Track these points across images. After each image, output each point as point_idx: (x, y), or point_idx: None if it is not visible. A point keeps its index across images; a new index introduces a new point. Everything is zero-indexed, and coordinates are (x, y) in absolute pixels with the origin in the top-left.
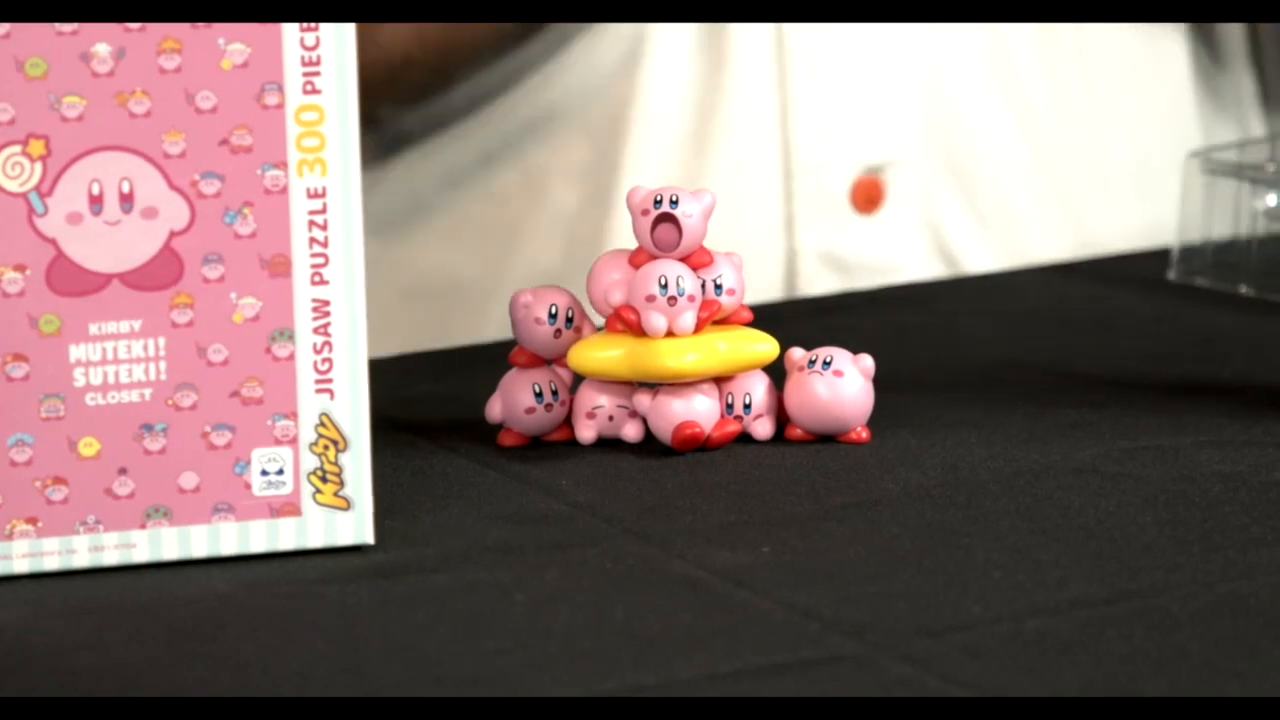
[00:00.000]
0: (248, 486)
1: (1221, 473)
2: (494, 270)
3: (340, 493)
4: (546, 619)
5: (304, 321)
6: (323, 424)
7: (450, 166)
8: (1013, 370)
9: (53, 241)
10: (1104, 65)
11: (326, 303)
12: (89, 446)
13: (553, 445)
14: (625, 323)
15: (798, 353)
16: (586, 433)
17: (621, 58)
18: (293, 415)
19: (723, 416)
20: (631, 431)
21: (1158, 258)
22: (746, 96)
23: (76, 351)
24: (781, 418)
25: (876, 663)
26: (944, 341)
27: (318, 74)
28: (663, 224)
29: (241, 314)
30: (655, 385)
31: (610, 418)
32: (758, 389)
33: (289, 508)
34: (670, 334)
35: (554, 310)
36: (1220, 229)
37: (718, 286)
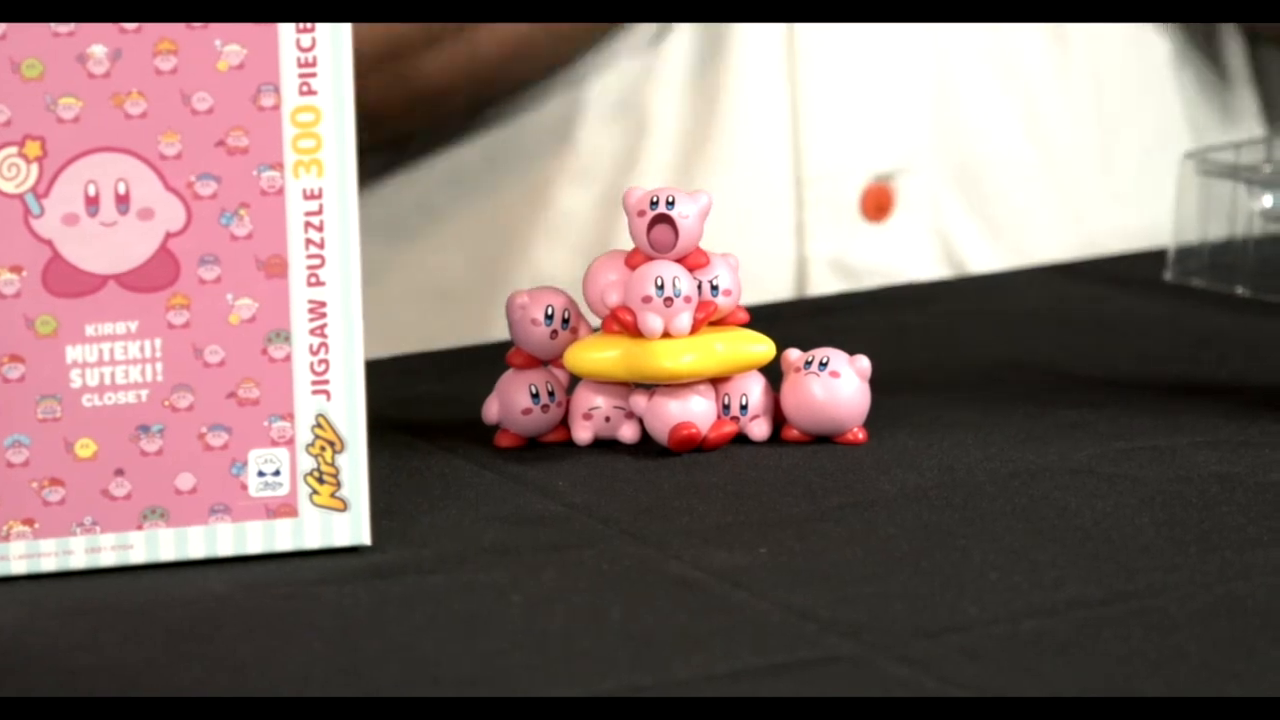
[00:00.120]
0: (244, 487)
1: (1218, 473)
2: (500, 273)
3: (337, 494)
4: (543, 620)
5: (300, 323)
6: (319, 425)
7: (457, 169)
8: (1010, 371)
9: (49, 243)
10: (1111, 71)
11: (323, 304)
12: (85, 448)
13: (549, 446)
14: (622, 324)
15: (794, 354)
16: (583, 434)
17: (632, 64)
18: (289, 416)
19: (719, 417)
20: (628, 432)
21: (1154, 259)
22: (757, 104)
23: (73, 353)
24: (778, 418)
25: (873, 663)
26: (941, 342)
27: (314, 75)
28: (659, 225)
29: (238, 315)
30: (652, 386)
31: (607, 419)
32: (754, 390)
33: (286, 509)
34: (667, 335)
35: (550, 311)
36: (1216, 230)
37: (714, 287)
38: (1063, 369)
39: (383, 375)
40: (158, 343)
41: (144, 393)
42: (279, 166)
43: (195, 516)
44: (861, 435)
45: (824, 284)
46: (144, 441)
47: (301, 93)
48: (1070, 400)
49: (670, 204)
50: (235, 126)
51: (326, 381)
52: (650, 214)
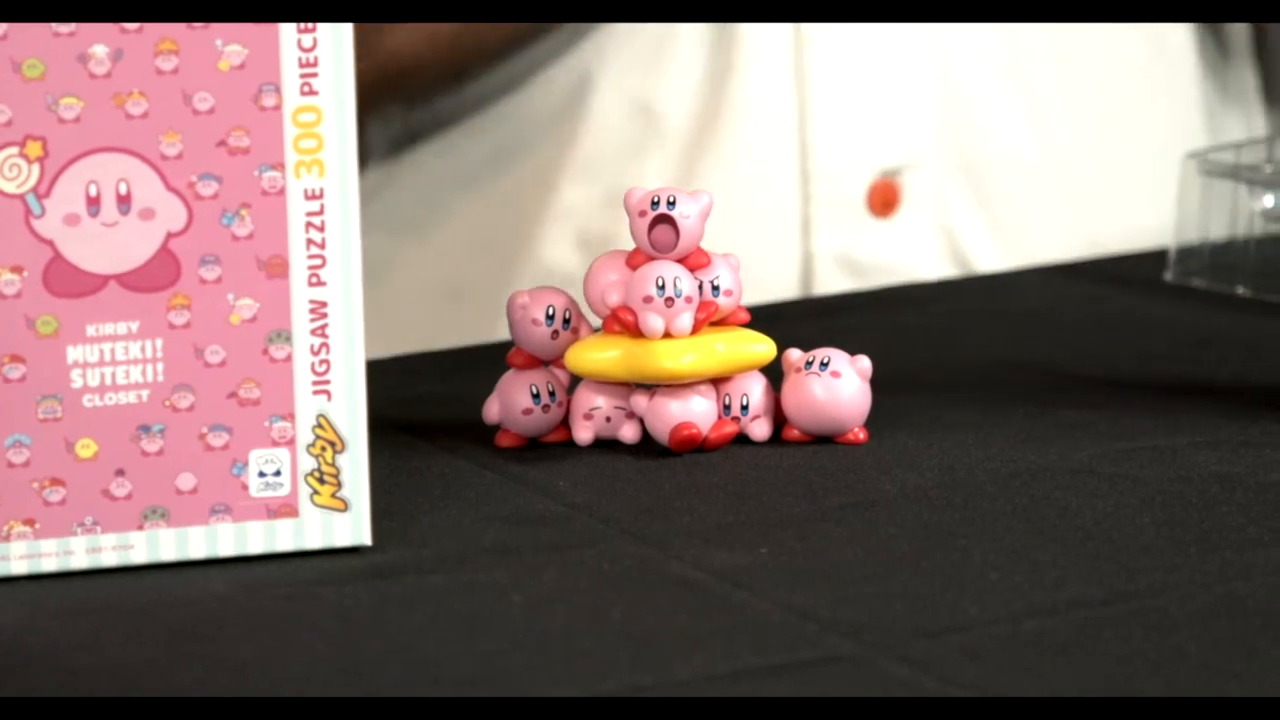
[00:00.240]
0: (245, 488)
1: (1219, 473)
2: (505, 271)
3: (338, 494)
4: (544, 620)
5: (301, 323)
6: (320, 425)
7: (462, 166)
8: (1010, 371)
9: (50, 243)
10: (1116, 68)
11: (324, 304)
12: (86, 448)
13: (550, 446)
14: (622, 324)
15: (795, 354)
16: (584, 434)
17: (638, 60)
18: (290, 416)
19: (720, 417)
20: (629, 432)
21: (1155, 259)
22: (764, 100)
23: (74, 353)
24: (779, 419)
25: (874, 663)
26: (941, 342)
27: (315, 75)
28: (660, 225)
29: (239, 315)
30: (652, 386)
31: (608, 419)
32: (755, 390)
33: (286, 509)
34: (667, 335)
35: (551, 311)
36: (1217, 230)
37: (715, 288)
38: (1063, 369)
39: (383, 375)
40: (158, 343)
41: (145, 393)
42: (280, 167)
43: (196, 517)
44: (862, 435)
45: (830, 280)
46: (145, 442)
47: (303, 93)
48: (1071, 400)
49: (671, 204)
50: (236, 126)
51: (327, 382)
52: (651, 214)
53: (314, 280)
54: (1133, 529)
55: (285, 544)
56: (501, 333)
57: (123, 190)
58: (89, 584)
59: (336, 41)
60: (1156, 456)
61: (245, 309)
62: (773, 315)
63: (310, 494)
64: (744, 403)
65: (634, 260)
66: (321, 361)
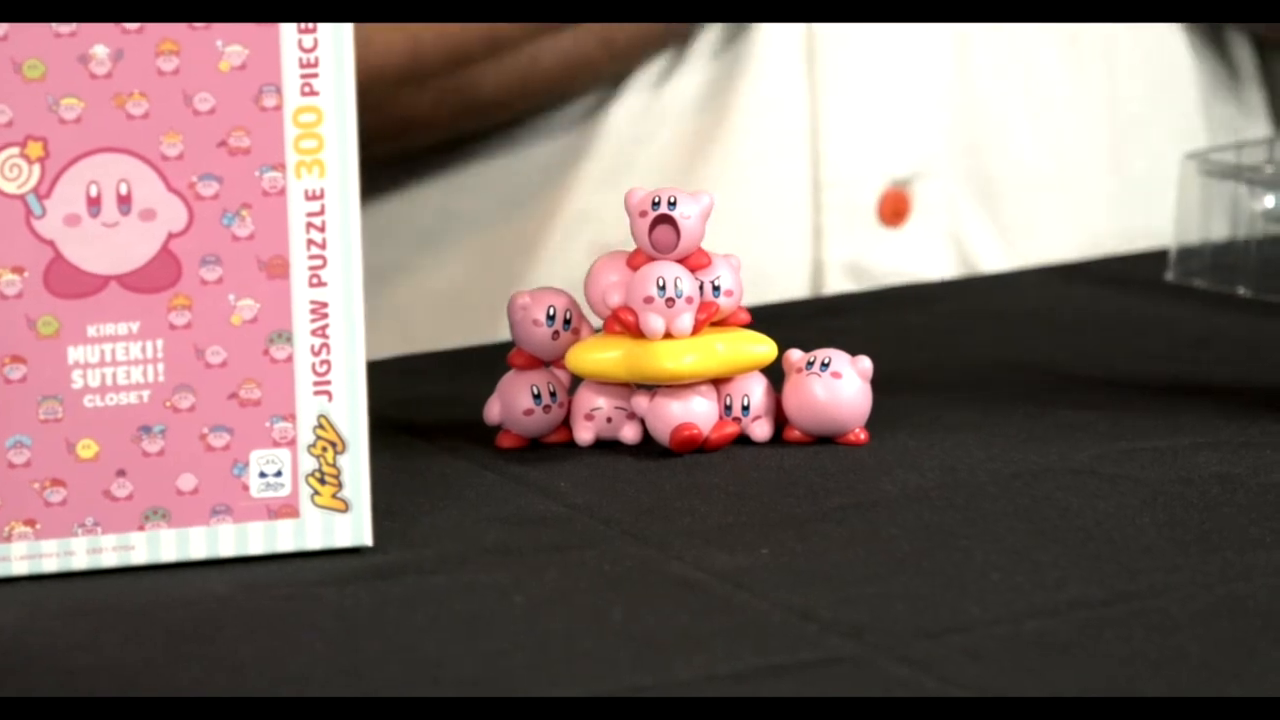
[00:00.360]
0: (246, 488)
1: (1219, 474)
2: (518, 276)
3: (338, 494)
4: (545, 620)
5: (302, 323)
6: (321, 426)
7: (473, 171)
8: (1011, 371)
9: (51, 243)
10: (1123, 75)
11: (324, 304)
12: (87, 448)
13: (551, 447)
14: (623, 324)
15: (796, 354)
16: (585, 434)
17: (651, 67)
18: (291, 417)
19: (721, 418)
20: (630, 433)
21: (1156, 259)
22: (776, 110)
23: (75, 353)
24: (780, 419)
25: (875, 664)
26: (942, 342)
27: (316, 75)
28: (661, 225)
29: (240, 316)
30: (653, 387)
31: (608, 419)
32: (756, 390)
33: (287, 509)
34: (668, 335)
35: (552, 312)
36: (1218, 230)
37: (715, 288)
38: (1064, 369)
39: (384, 376)
40: (159, 343)
41: (145, 393)
42: (281, 167)
43: (197, 517)
44: (863, 436)
45: (840, 289)
46: (145, 442)
47: (303, 93)
48: (1071, 401)
49: (672, 204)
50: (237, 127)
51: (328, 382)
52: (652, 214)
53: (315, 281)
54: (1134, 529)
55: (286, 545)
56: (508, 339)
57: (123, 191)
58: (89, 584)
59: (337, 42)
60: (1157, 457)
61: (246, 309)
62: (773, 316)
63: (311, 494)
64: (745, 403)
65: (635, 261)
66: (322, 362)
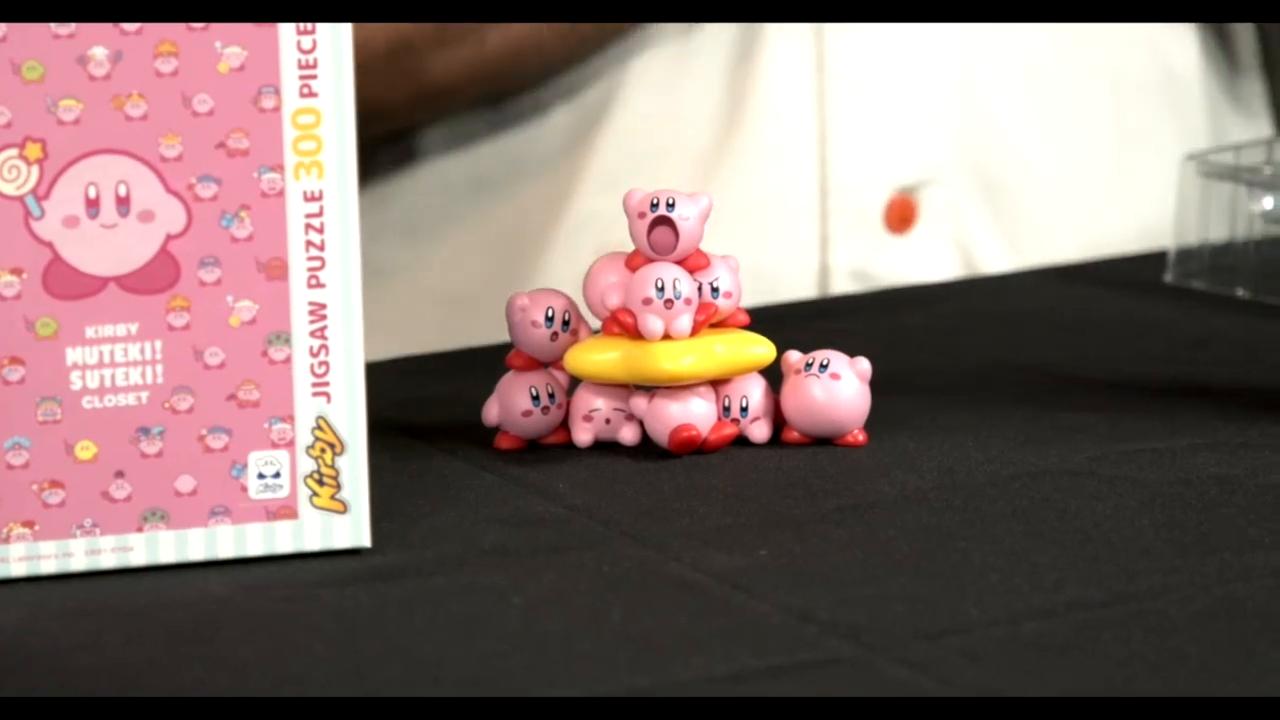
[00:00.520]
0: (244, 489)
1: (1218, 475)
2: (520, 279)
3: (337, 496)
4: (543, 621)
5: (300, 325)
6: (319, 427)
7: (477, 172)
8: (1009, 372)
9: (49, 244)
10: (1128, 79)
11: (323, 306)
12: (86, 450)
13: (549, 448)
14: (622, 325)
15: (794, 355)
16: (583, 435)
17: (657, 70)
18: (289, 418)
19: (719, 419)
20: (628, 434)
21: (1155, 260)
22: (783, 115)
23: (73, 354)
24: (778, 420)
25: (873, 665)
26: (941, 343)
27: (314, 77)
28: (659, 227)
29: (238, 317)
30: (652, 388)
31: (607, 420)
32: (755, 392)
33: (286, 511)
34: (667, 337)
35: (550, 313)
36: (1217, 232)
37: (714, 289)
38: (1062, 371)
39: (383, 377)
40: (158, 345)
41: (144, 395)
42: (279, 168)
43: (195, 518)
44: (861, 437)
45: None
46: (144, 443)
47: (302, 95)
48: (1070, 402)
49: (670, 206)
50: (236, 128)
51: (327, 384)
52: (650, 216)
53: (313, 282)
54: (1132, 531)
55: (284, 546)
56: (503, 335)
57: (122, 192)
58: (89, 585)
59: (336, 43)
60: (1156, 458)
61: (244, 311)
62: (771, 317)
63: (309, 496)
64: (743, 404)
65: (633, 262)
66: (321, 363)
